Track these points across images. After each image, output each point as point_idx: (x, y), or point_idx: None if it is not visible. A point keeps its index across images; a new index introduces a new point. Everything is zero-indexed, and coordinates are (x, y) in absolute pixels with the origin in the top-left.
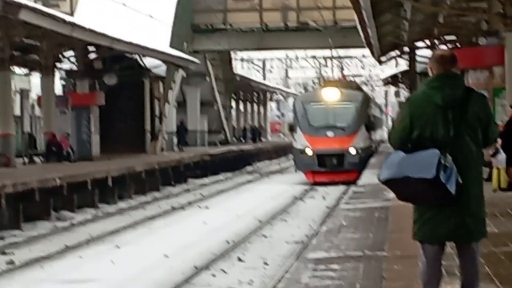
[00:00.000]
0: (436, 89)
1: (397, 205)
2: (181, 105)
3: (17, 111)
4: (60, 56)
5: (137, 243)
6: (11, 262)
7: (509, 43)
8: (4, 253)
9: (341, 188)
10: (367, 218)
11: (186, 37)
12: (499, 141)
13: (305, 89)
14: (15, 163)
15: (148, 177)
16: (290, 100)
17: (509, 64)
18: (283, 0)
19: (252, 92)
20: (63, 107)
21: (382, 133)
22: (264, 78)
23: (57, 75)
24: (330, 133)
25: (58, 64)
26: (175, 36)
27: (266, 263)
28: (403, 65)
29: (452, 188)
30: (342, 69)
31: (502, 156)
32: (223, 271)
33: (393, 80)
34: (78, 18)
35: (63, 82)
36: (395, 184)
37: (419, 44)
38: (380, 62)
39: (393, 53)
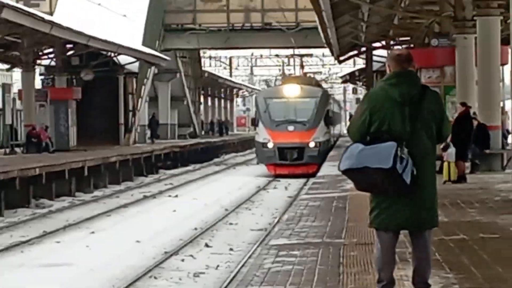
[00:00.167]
0: (394, 85)
1: (354, 195)
2: (153, 100)
3: None
4: (40, 52)
5: (111, 230)
6: None
7: (459, 44)
8: None
9: (302, 179)
10: (326, 208)
11: (158, 36)
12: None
13: (268, 85)
14: None
15: (122, 167)
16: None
17: (459, 64)
18: (248, 1)
19: (220, 88)
20: (42, 101)
21: (340, 128)
22: (231, 75)
23: (37, 70)
24: (290, 128)
25: (38, 60)
26: (148, 35)
27: (231, 249)
28: (361, 64)
29: (407, 179)
30: (302, 66)
31: (452, 150)
32: (192, 256)
33: (351, 78)
34: (57, 17)
35: (42, 77)
36: (354, 173)
37: (376, 44)
38: (339, 61)
39: (351, 53)
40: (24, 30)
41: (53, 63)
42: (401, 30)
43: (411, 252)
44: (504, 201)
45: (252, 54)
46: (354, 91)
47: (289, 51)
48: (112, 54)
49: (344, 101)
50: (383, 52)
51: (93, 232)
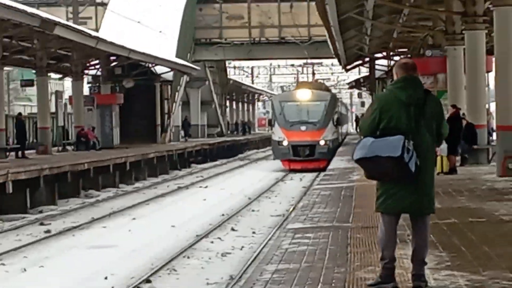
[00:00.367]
0: (401, 89)
1: (360, 185)
2: (185, 104)
3: (53, 109)
4: (88, 64)
5: (150, 216)
6: (48, 231)
7: (449, 54)
8: (42, 224)
9: (314, 172)
10: (336, 196)
11: (189, 49)
12: None
13: (283, 90)
14: (51, 151)
15: (159, 162)
16: None
17: (450, 72)
18: (267, 19)
19: (243, 94)
20: (90, 106)
21: (347, 127)
22: (253, 82)
23: (85, 79)
24: (303, 127)
25: (86, 71)
26: (180, 48)
27: (254, 232)
28: (365, 72)
29: (412, 167)
30: (314, 74)
31: (444, 146)
32: (220, 238)
33: (356, 84)
34: (102, 33)
35: (90, 85)
36: (366, 162)
37: (378, 55)
38: (346, 70)
39: (356, 62)
40: (74, 44)
41: (99, 73)
42: (400, 42)
43: (409, 234)
44: (490, 190)
45: (270, 64)
46: (359, 95)
47: (303, 61)
48: (150, 65)
49: (351, 104)
50: (384, 62)
51: (134, 219)
